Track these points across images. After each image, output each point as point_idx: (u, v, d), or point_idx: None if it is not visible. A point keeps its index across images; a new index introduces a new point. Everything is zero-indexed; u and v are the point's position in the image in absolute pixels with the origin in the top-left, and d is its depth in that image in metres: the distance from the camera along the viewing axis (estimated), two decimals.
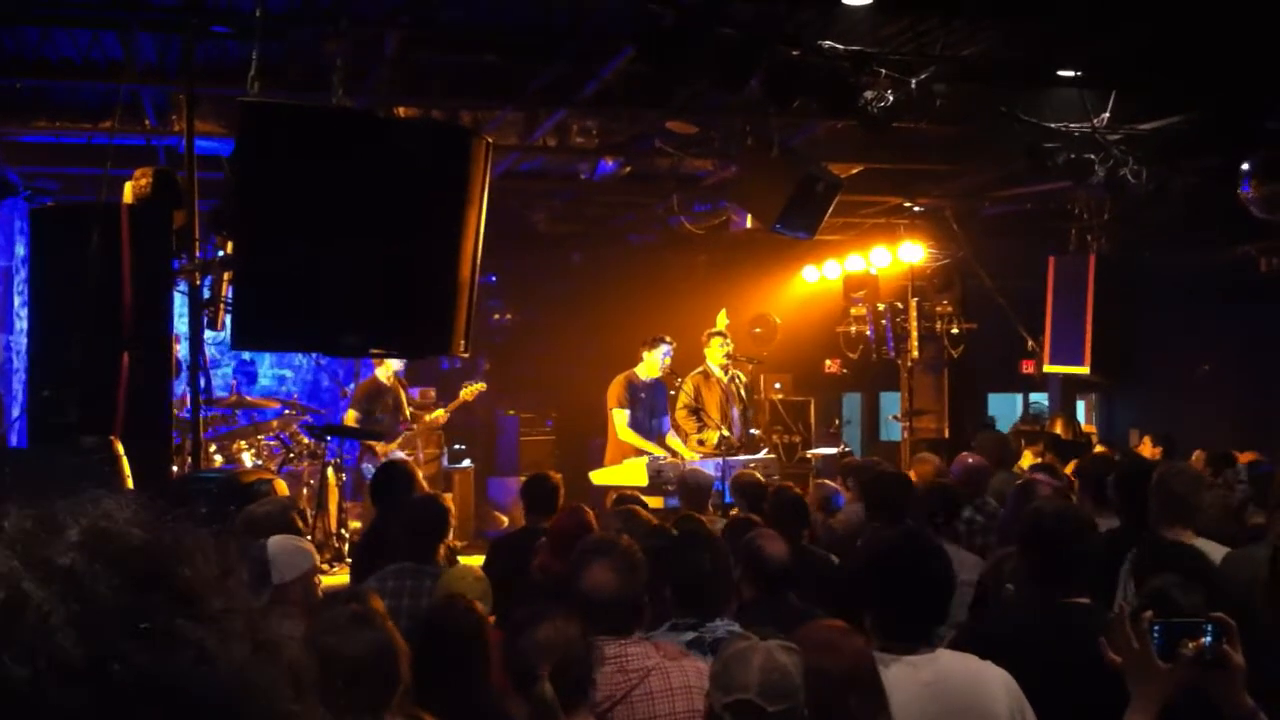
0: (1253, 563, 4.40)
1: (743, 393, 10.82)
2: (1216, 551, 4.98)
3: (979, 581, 5.54)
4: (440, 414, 11.35)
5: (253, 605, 0.92)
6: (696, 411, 10.39)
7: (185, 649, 0.82)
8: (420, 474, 7.59)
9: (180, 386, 8.77)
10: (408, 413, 11.18)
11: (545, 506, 6.65)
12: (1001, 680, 3.38)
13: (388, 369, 11.03)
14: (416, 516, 5.69)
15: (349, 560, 9.67)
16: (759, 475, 8.15)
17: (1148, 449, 11.54)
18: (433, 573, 5.38)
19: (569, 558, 4.91)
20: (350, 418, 10.85)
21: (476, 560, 6.56)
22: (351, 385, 12.36)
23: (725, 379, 10.60)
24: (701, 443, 10.24)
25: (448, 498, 7.17)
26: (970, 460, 8.08)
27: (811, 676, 2.91)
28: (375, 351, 9.12)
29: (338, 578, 9.13)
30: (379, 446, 10.71)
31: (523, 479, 7.68)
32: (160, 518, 0.90)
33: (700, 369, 10.59)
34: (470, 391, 11.35)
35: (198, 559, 0.89)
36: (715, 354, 10.57)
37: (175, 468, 7.94)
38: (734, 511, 7.41)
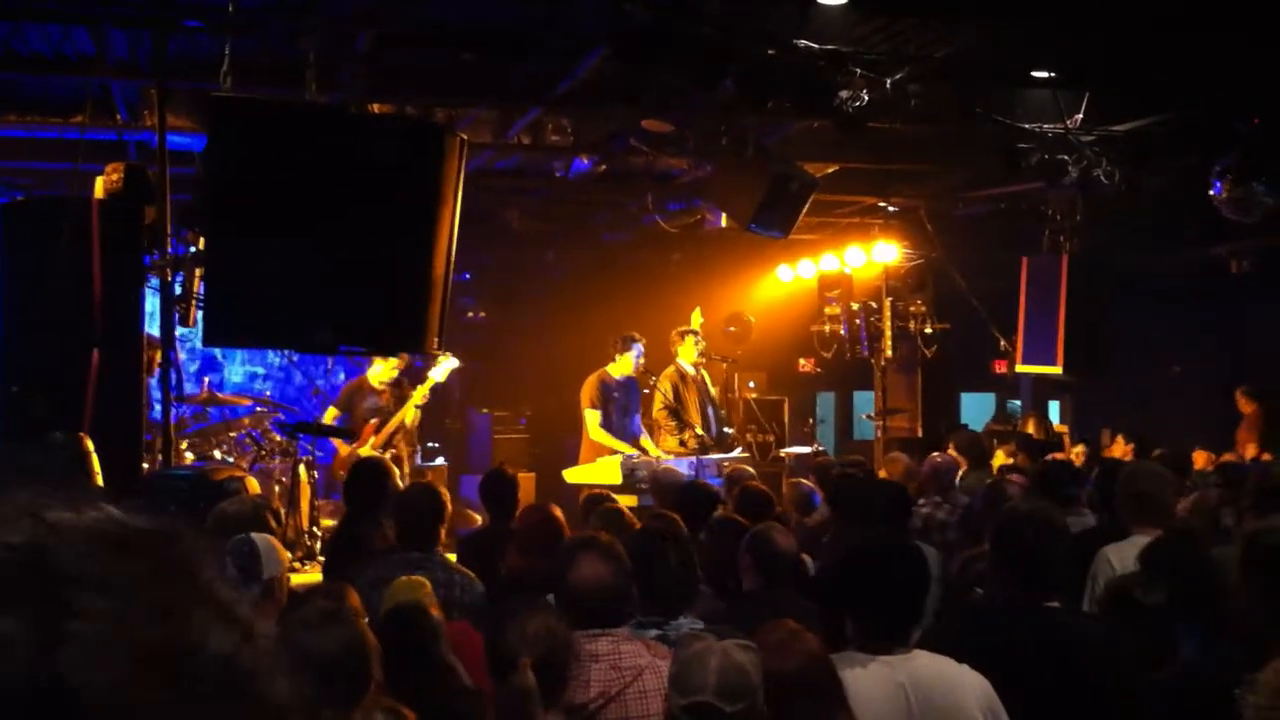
0: (1232, 562, 4.42)
1: (711, 390, 10.85)
2: None
3: (947, 583, 5.55)
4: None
5: None
6: (676, 412, 10.39)
7: None
8: (396, 471, 7.53)
9: (152, 383, 8.70)
10: (400, 419, 10.78)
11: (507, 502, 6.62)
12: (976, 683, 3.38)
13: (381, 372, 10.75)
14: (412, 505, 5.64)
15: (320, 558, 9.63)
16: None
17: (1119, 449, 11.62)
18: (441, 563, 5.37)
19: (539, 555, 4.92)
20: (329, 416, 10.77)
21: (449, 558, 6.53)
22: (323, 382, 12.27)
23: (699, 377, 10.62)
24: (682, 443, 10.25)
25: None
26: (938, 459, 8.13)
27: (768, 678, 2.90)
28: (350, 349, 9.06)
29: (309, 576, 9.09)
30: (342, 447, 10.60)
31: None
32: None
33: (674, 368, 10.60)
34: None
35: None
36: (689, 352, 10.58)
37: (146, 465, 7.88)
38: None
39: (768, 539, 4.87)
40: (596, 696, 3.49)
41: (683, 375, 10.54)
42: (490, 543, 6.20)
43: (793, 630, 3.12)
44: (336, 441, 10.65)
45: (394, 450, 10.39)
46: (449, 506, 5.77)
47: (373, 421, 10.53)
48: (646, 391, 10.59)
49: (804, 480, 8.88)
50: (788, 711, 2.90)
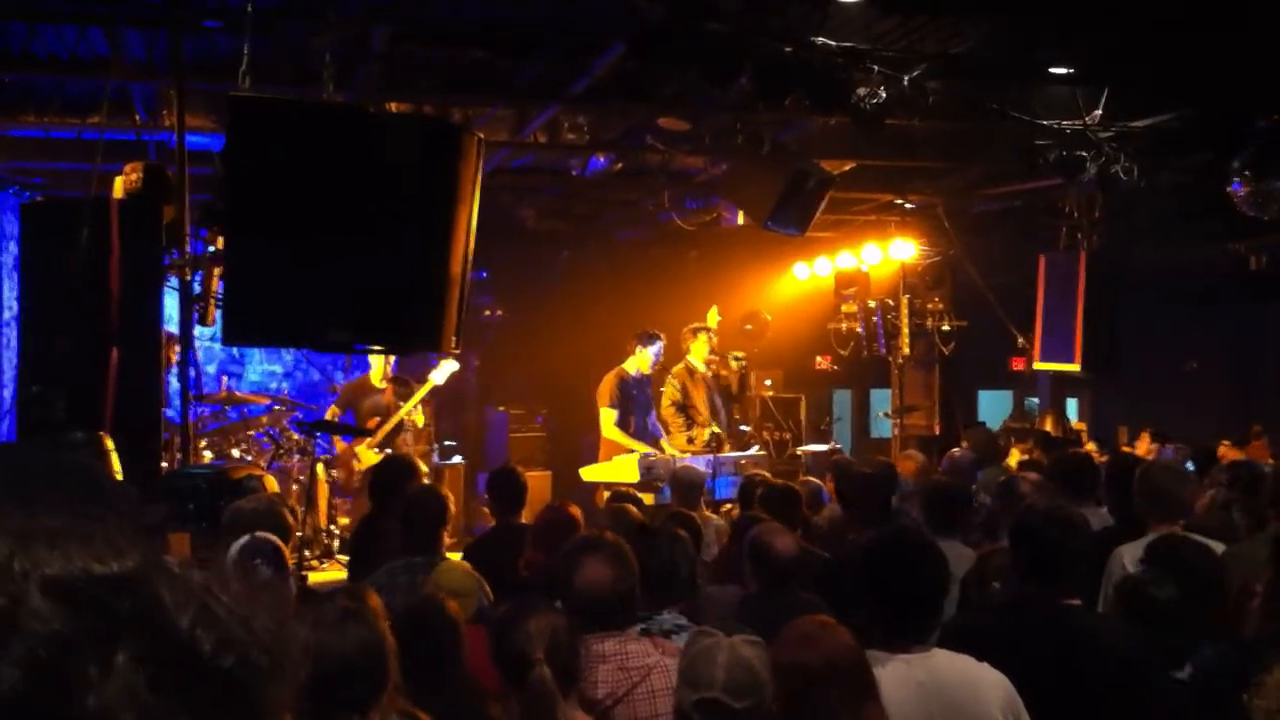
0: (1246, 560, 4.41)
1: (735, 385, 10.82)
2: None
3: (963, 579, 5.53)
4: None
5: None
6: (685, 409, 10.36)
7: None
8: (423, 468, 7.54)
9: (170, 382, 8.74)
10: (398, 418, 10.77)
11: (516, 502, 6.63)
12: (997, 681, 3.37)
13: (380, 371, 10.78)
14: (416, 508, 5.65)
15: (338, 557, 9.65)
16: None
17: (1144, 446, 11.55)
18: (441, 564, 5.37)
19: (555, 554, 4.92)
20: (330, 415, 10.78)
21: (454, 558, 6.54)
22: (341, 381, 12.29)
23: (709, 374, 10.59)
24: (691, 440, 10.23)
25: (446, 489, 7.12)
26: (958, 454, 8.09)
27: (793, 670, 2.90)
28: (366, 348, 9.07)
29: (327, 574, 9.11)
30: (339, 445, 10.62)
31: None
32: None
33: (683, 365, 10.56)
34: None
35: None
36: (700, 350, 10.55)
37: (165, 463, 7.91)
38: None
39: (763, 543, 4.84)
40: (605, 697, 3.49)
41: (691, 373, 10.51)
42: (502, 541, 6.20)
43: (823, 623, 3.12)
44: (335, 440, 10.65)
45: (393, 449, 10.39)
46: (453, 509, 5.77)
47: (374, 419, 10.55)
48: (662, 389, 10.58)
49: (813, 479, 8.86)
50: (817, 703, 2.89)
